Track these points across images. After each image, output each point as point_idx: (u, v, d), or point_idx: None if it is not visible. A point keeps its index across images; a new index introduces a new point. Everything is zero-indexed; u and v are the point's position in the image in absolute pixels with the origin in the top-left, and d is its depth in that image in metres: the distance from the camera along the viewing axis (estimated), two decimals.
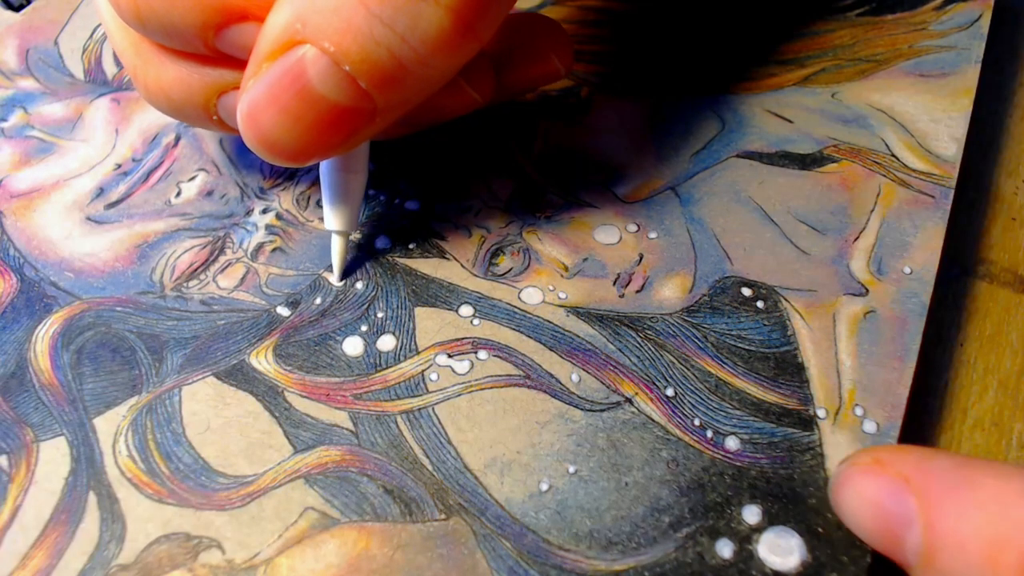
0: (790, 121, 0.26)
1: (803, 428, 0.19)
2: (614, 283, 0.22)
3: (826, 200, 0.23)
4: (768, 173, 0.24)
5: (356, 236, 0.24)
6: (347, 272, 0.23)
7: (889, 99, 0.26)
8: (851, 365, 0.20)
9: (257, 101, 0.17)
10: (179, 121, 0.22)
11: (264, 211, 0.25)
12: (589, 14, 0.30)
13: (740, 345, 0.21)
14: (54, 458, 0.20)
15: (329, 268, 0.23)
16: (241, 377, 0.21)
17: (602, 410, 0.20)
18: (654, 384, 0.20)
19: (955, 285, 0.24)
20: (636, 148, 0.25)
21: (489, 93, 0.22)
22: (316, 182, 0.25)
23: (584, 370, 0.21)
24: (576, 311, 0.22)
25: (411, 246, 0.24)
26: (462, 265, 0.23)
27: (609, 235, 0.23)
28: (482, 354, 0.21)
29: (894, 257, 0.22)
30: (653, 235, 0.23)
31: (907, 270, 0.22)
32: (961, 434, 0.21)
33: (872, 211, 0.23)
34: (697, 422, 0.20)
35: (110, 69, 0.29)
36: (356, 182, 0.22)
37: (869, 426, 0.19)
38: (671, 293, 0.22)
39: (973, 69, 0.26)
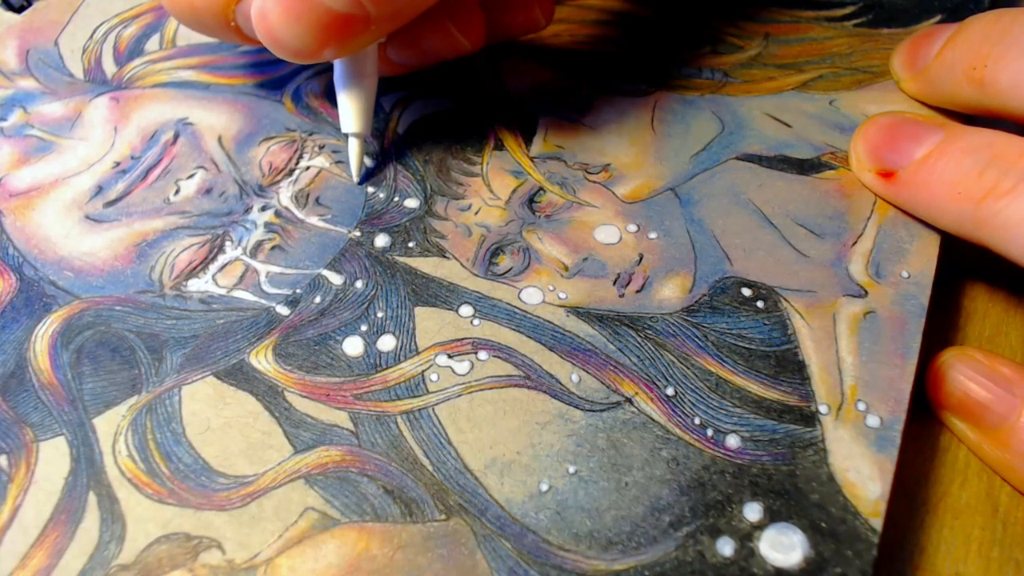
0: (789, 126, 0.26)
1: (805, 424, 0.19)
2: (614, 283, 0.22)
3: (824, 205, 0.23)
4: (767, 176, 0.24)
5: (356, 234, 0.24)
6: (349, 271, 0.23)
7: (885, 111, 0.26)
8: (852, 362, 0.20)
9: (267, 4, 0.19)
10: (199, 32, 0.24)
11: (263, 208, 0.25)
12: (590, 13, 0.30)
13: (740, 344, 0.21)
14: (54, 458, 0.20)
15: (329, 266, 0.23)
16: (241, 377, 0.21)
17: (602, 410, 0.20)
18: (654, 383, 0.20)
19: (953, 287, 0.24)
20: (636, 148, 0.25)
21: (479, 39, 0.25)
22: (314, 179, 0.25)
23: (584, 370, 0.21)
24: (576, 311, 0.22)
25: (411, 245, 0.24)
26: (462, 264, 0.23)
27: (609, 235, 0.23)
28: (482, 355, 0.21)
29: (892, 262, 0.22)
30: (653, 235, 0.23)
31: (905, 274, 0.22)
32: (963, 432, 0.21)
33: (869, 218, 0.23)
34: (697, 421, 0.20)
35: (110, 69, 0.29)
36: (366, 86, 0.24)
37: (872, 420, 0.19)
38: (671, 293, 0.22)
39: None
